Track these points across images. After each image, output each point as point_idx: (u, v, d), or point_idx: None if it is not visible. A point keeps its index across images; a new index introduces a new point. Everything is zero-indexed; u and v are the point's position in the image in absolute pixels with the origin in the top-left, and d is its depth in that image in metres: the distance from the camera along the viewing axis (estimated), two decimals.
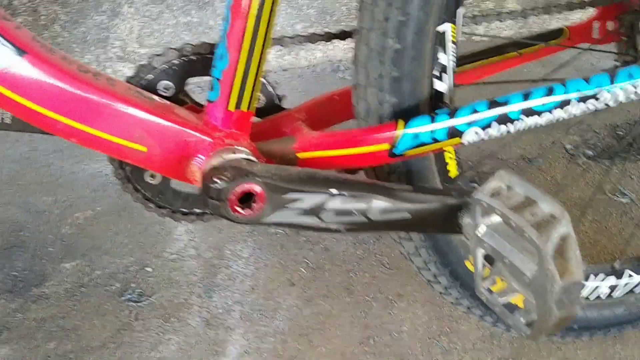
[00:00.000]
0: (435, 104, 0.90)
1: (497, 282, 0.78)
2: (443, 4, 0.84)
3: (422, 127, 0.85)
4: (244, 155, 0.79)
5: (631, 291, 1.16)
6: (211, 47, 0.88)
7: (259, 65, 0.81)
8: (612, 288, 1.14)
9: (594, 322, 1.14)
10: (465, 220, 0.81)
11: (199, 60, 0.88)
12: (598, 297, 1.14)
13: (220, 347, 1.15)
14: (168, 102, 0.84)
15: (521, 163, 1.69)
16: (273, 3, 0.79)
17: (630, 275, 1.14)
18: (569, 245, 0.69)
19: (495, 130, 0.88)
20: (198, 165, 0.80)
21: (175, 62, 0.87)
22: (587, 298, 1.13)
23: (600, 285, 1.13)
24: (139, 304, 1.23)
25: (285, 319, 1.21)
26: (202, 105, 0.89)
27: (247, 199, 0.75)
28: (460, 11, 0.87)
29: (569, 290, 0.69)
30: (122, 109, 0.76)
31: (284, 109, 0.94)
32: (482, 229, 0.78)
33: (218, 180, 0.73)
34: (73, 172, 1.57)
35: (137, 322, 1.19)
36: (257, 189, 0.74)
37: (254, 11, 0.78)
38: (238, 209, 0.74)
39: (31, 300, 1.22)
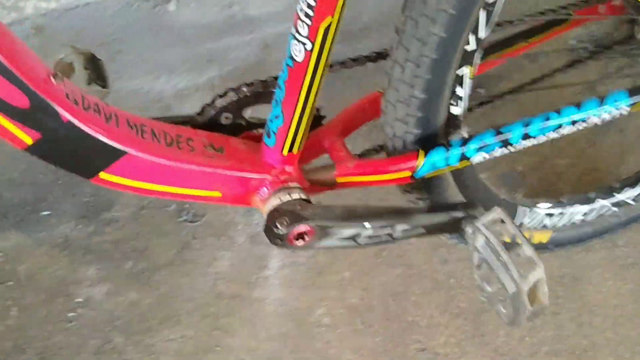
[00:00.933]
0: (450, 124, 1.07)
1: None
2: (462, 55, 0.97)
3: (439, 157, 1.05)
4: (296, 195, 1.00)
5: (600, 215, 1.44)
6: (263, 85, 1.03)
7: (307, 121, 0.97)
8: (585, 214, 1.42)
9: (568, 240, 1.45)
10: (468, 230, 1.06)
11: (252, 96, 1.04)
12: (573, 223, 1.43)
13: (264, 262, 1.47)
14: (233, 145, 1.02)
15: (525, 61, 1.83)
16: (321, 79, 0.93)
17: (600, 201, 1.41)
18: (540, 284, 0.96)
19: (498, 152, 1.08)
20: (260, 198, 1.02)
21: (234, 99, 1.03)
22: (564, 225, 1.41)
23: (576, 212, 1.41)
24: (194, 224, 1.51)
25: None
26: (255, 128, 1.07)
27: (300, 234, 0.98)
28: (478, 55, 1.00)
29: (535, 312, 0.98)
30: (202, 169, 0.95)
31: (321, 124, 1.12)
32: (479, 242, 1.04)
33: (279, 226, 0.96)
34: (115, 90, 1.71)
35: (195, 241, 1.49)
36: (308, 228, 0.98)
37: (305, 87, 0.92)
38: (294, 242, 0.99)
39: (104, 223, 1.49)
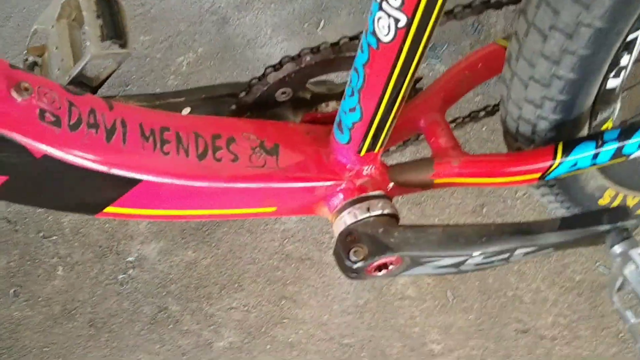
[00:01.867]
0: (601, 100, 0.75)
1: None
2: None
3: (584, 154, 0.74)
4: (378, 210, 0.73)
5: None
6: (333, 49, 0.73)
7: (396, 114, 0.68)
8: None
9: None
10: (615, 250, 0.77)
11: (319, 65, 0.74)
12: None
13: None
14: (291, 139, 0.74)
15: None
16: (417, 64, 0.62)
17: None
18: None
19: None
20: (329, 208, 0.76)
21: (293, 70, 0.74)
22: None
23: None
24: None
25: None
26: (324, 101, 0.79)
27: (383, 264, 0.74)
28: None
29: None
30: (250, 187, 0.69)
31: (418, 90, 0.81)
32: (629, 270, 0.76)
33: (354, 258, 0.71)
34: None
35: None
36: (394, 259, 0.73)
37: (395, 75, 0.62)
38: (374, 274, 0.74)
39: None
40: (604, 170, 0.93)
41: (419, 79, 0.86)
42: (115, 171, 0.61)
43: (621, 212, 0.76)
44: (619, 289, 0.80)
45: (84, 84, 0.73)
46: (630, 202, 1.02)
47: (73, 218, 1.24)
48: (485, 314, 1.18)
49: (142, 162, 0.63)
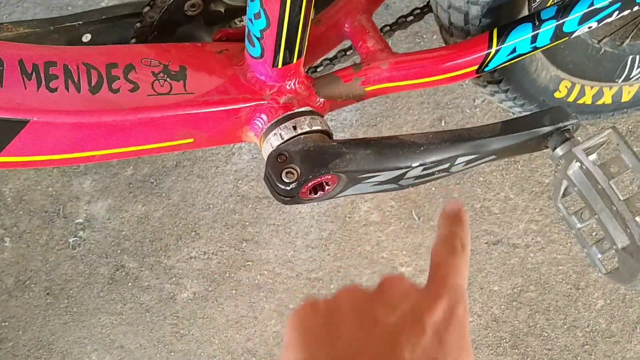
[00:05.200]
0: None
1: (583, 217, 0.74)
2: None
3: (521, 38, 0.67)
4: (306, 126, 0.67)
5: None
6: None
7: (306, 14, 0.61)
8: None
9: None
10: (558, 151, 0.72)
11: None
12: None
13: None
14: (201, 59, 0.67)
15: None
16: None
17: None
18: None
19: (616, 15, 0.68)
20: (255, 132, 0.70)
21: None
22: None
23: None
24: None
25: (353, 109, 1.18)
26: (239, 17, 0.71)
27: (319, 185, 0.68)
28: None
29: None
30: (156, 116, 0.62)
31: None
32: (572, 170, 0.71)
33: (286, 180, 0.65)
34: None
35: None
36: (329, 177, 0.67)
37: None
38: (309, 196, 0.69)
39: None
40: (555, 60, 0.86)
41: None
42: None
43: (561, 113, 0.70)
44: (564, 195, 0.76)
45: None
46: (589, 93, 0.96)
47: (14, 186, 1.17)
48: None
49: (25, 102, 0.55)
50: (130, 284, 1.13)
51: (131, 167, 1.18)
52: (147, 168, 1.18)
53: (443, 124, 1.17)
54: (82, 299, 1.13)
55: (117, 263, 1.14)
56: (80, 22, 0.70)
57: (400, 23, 0.81)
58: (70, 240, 1.16)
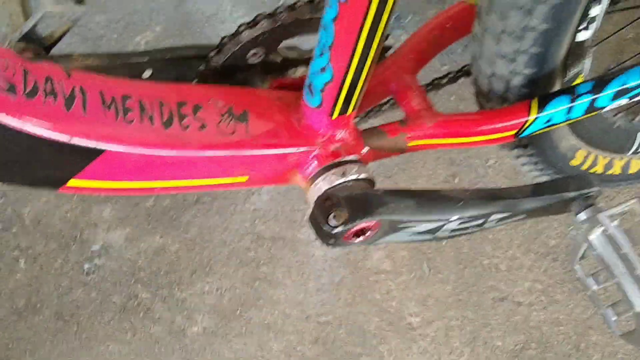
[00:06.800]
0: (571, 55, 0.74)
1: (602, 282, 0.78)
2: None
3: (558, 109, 0.73)
4: (354, 174, 0.71)
5: None
6: (310, 7, 0.70)
7: (368, 73, 0.66)
8: None
9: None
10: (580, 216, 0.77)
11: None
12: None
13: None
14: (261, 105, 0.71)
15: None
16: (389, 15, 0.59)
17: None
18: None
19: None
20: (303, 176, 0.74)
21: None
22: None
23: None
24: None
25: None
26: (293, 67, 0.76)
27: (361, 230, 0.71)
28: None
29: None
30: (219, 155, 0.66)
31: (384, 56, 0.79)
32: (594, 235, 0.75)
33: (334, 222, 0.69)
34: None
35: None
36: (373, 224, 0.70)
37: (366, 29, 0.60)
38: (352, 240, 0.72)
39: None
40: (576, 130, 0.92)
41: (387, 48, 0.84)
42: (77, 141, 0.57)
43: (585, 181, 0.75)
44: (582, 257, 0.80)
45: (35, 42, 0.68)
46: (602, 162, 1.02)
47: (33, 208, 1.19)
48: (462, 284, 1.17)
49: (104, 131, 0.59)
50: (141, 315, 1.14)
51: (152, 199, 1.20)
52: (169, 200, 1.20)
53: (456, 180, 1.22)
54: (92, 325, 1.14)
55: (130, 292, 1.15)
56: (145, 59, 0.74)
57: (435, 84, 0.87)
58: (85, 266, 1.17)
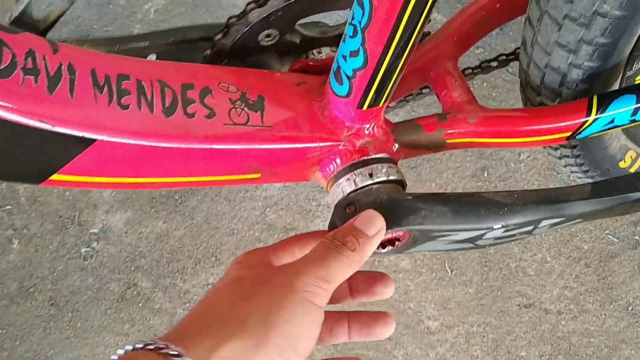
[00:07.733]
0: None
1: None
2: None
3: (623, 109, 0.63)
4: (382, 175, 0.62)
5: None
6: None
7: (407, 59, 0.56)
8: None
9: None
10: None
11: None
12: None
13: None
14: (278, 90, 0.62)
15: None
16: None
17: None
18: None
19: None
20: (324, 174, 0.64)
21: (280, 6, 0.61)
22: None
23: None
24: None
25: None
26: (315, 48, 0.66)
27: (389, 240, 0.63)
28: None
29: None
30: (225, 148, 0.57)
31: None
32: None
33: None
34: None
35: None
36: (401, 234, 0.62)
37: (409, 9, 0.50)
38: (378, 250, 0.63)
39: None
40: (627, 131, 0.83)
41: (425, 34, 0.74)
42: (61, 129, 0.48)
43: None
44: None
45: (28, 26, 0.60)
46: None
47: (30, 185, 1.11)
48: (486, 288, 1.08)
49: (94, 118, 0.50)
50: (140, 305, 1.07)
51: None
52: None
53: (486, 174, 1.12)
54: (88, 314, 1.06)
55: (130, 280, 1.08)
56: (147, 44, 0.65)
57: (484, 67, 0.77)
58: (83, 250, 1.09)
